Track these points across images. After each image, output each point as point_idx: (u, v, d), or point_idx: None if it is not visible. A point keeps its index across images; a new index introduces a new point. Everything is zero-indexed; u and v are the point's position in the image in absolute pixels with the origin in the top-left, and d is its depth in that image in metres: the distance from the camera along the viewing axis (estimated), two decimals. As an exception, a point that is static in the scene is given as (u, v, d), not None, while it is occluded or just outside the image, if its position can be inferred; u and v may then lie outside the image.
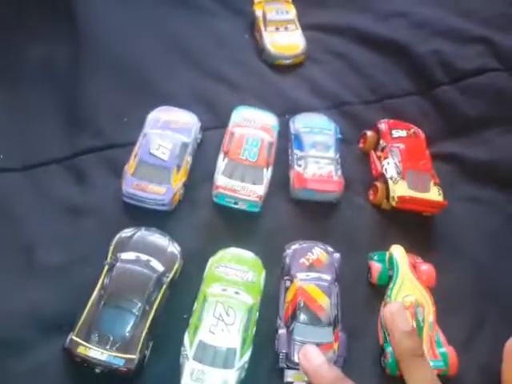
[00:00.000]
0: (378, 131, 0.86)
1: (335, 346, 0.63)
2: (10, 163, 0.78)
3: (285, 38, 0.97)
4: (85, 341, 0.59)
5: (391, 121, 0.87)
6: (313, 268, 0.68)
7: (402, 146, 0.81)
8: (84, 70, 0.89)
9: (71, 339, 0.60)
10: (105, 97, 0.86)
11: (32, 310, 0.65)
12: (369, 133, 0.86)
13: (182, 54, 0.95)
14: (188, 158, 0.79)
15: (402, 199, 0.76)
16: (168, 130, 0.79)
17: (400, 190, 0.77)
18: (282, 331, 0.64)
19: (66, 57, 0.90)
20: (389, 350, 0.63)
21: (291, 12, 1.00)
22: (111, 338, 0.60)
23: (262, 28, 0.98)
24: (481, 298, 0.73)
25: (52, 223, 0.73)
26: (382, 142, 0.84)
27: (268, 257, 0.71)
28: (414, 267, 0.71)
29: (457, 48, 0.99)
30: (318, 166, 0.78)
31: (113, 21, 0.97)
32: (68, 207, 0.75)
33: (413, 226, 0.79)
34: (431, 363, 0.61)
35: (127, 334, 0.60)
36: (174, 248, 0.69)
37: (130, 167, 0.76)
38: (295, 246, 0.71)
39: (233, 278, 0.66)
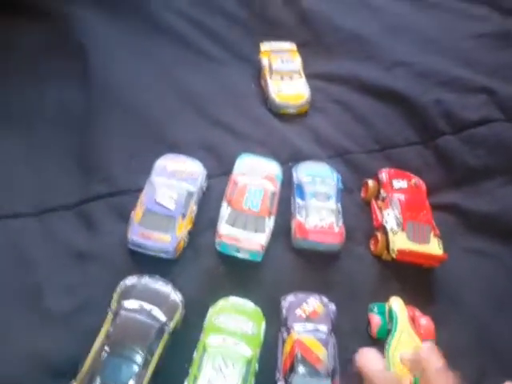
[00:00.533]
0: (378, 180, 0.87)
1: (334, 398, 0.64)
2: (22, 208, 0.81)
3: (290, 88, 1.00)
4: (87, 390, 0.61)
5: (392, 170, 0.89)
6: (309, 319, 0.69)
7: (403, 197, 0.83)
8: (95, 116, 0.92)
9: (73, 388, 0.61)
10: (115, 143, 0.89)
11: (39, 354, 0.67)
12: (370, 182, 0.88)
13: (189, 101, 0.98)
14: (193, 207, 0.81)
15: (401, 252, 0.78)
16: (174, 179, 0.82)
17: (400, 242, 0.78)
18: (281, 384, 0.65)
19: (79, 102, 0.94)
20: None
21: (296, 61, 1.03)
22: (112, 389, 0.61)
23: (268, 76, 1.01)
24: (481, 351, 0.74)
25: (60, 268, 0.75)
26: (382, 191, 0.86)
27: (268, 307, 0.73)
28: (412, 320, 0.72)
29: (459, 98, 1.02)
30: (320, 216, 0.80)
31: (124, 68, 1.01)
32: (76, 253, 0.77)
33: (413, 278, 0.80)
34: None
35: (130, 383, 0.61)
36: (176, 297, 0.70)
37: (136, 215, 0.78)
38: (291, 298, 0.72)
39: (233, 328, 0.68)
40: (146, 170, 0.84)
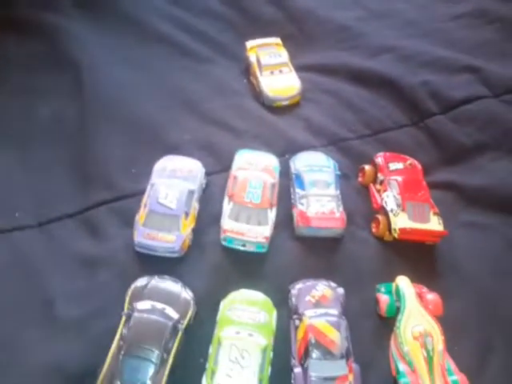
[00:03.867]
0: (375, 165, 0.89)
1: (350, 377, 0.65)
2: (26, 221, 0.81)
3: (280, 81, 1.01)
4: (108, 392, 0.61)
5: (387, 154, 0.90)
6: (319, 304, 0.71)
7: (400, 179, 0.84)
8: (91, 125, 0.93)
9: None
10: (112, 150, 0.90)
11: (54, 364, 0.67)
12: (367, 167, 0.89)
13: (183, 103, 0.99)
14: (195, 204, 0.82)
15: (403, 231, 0.79)
16: (174, 179, 0.83)
17: (401, 222, 0.80)
18: (298, 370, 0.66)
19: (75, 113, 0.95)
20: (402, 380, 0.65)
21: (284, 55, 1.05)
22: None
23: (258, 73, 1.02)
24: (488, 323, 0.75)
25: (69, 277, 0.76)
26: (379, 175, 0.87)
27: (278, 296, 0.74)
28: (420, 297, 0.74)
29: (446, 78, 1.04)
30: (320, 203, 0.81)
31: (117, 77, 1.02)
32: (83, 260, 0.78)
33: (416, 256, 0.81)
34: (443, 392, 0.64)
35: (148, 383, 0.62)
36: (186, 294, 0.71)
37: (140, 217, 0.79)
38: (299, 285, 0.73)
39: (245, 320, 0.69)
40: (147, 173, 0.85)
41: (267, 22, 1.14)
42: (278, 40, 1.08)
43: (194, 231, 0.81)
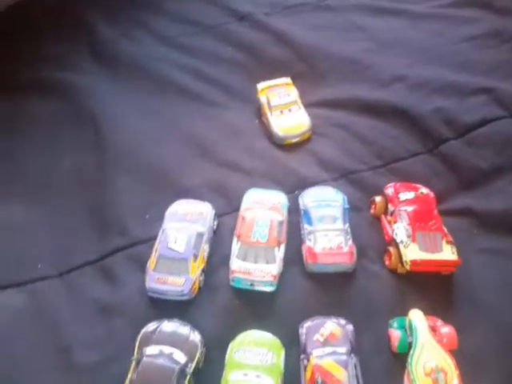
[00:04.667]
0: (385, 196, 0.88)
1: (360, 418, 0.63)
2: (47, 271, 0.85)
3: (290, 119, 1.02)
4: None
5: (398, 184, 0.89)
6: (327, 343, 0.70)
7: (410, 209, 0.83)
8: (108, 174, 0.97)
9: None
10: (128, 197, 0.93)
11: None
12: (377, 198, 0.88)
13: (196, 147, 1.02)
14: (205, 246, 0.83)
15: (414, 263, 0.77)
16: (184, 222, 0.85)
17: (411, 253, 0.78)
18: (306, 411, 0.65)
19: (93, 164, 1.00)
20: (414, 420, 0.63)
21: (293, 94, 1.06)
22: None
23: (268, 113, 1.04)
24: (508, 357, 0.72)
25: (86, 324, 0.79)
26: (390, 206, 0.86)
27: (287, 335, 0.74)
28: (434, 330, 0.71)
29: (459, 102, 1.02)
30: (328, 238, 0.81)
31: (132, 127, 1.06)
32: (100, 307, 0.80)
33: (431, 287, 0.79)
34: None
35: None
36: (195, 337, 0.72)
37: (151, 263, 0.81)
38: (308, 324, 0.73)
39: (253, 362, 0.68)
40: (160, 218, 0.87)
41: (277, 62, 1.17)
42: (287, 80, 1.10)
43: (205, 273, 0.82)
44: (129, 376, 0.68)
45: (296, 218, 0.88)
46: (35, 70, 1.14)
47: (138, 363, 0.68)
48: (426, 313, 0.73)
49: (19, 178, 0.99)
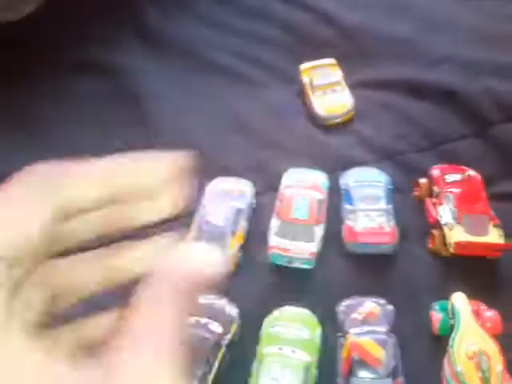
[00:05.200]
0: (431, 178, 0.85)
1: (398, 398, 0.62)
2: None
3: (332, 100, 1.00)
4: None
5: (444, 166, 0.86)
6: (366, 322, 0.68)
7: (457, 191, 0.80)
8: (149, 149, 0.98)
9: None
10: None
11: None
12: (422, 180, 0.86)
13: (238, 127, 1.02)
14: (243, 223, 0.83)
15: (458, 245, 0.74)
16: (224, 199, 0.85)
17: (456, 235, 0.75)
18: (341, 389, 0.64)
19: (139, 141, 1.00)
20: (454, 403, 0.61)
21: (337, 74, 1.04)
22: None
23: (310, 94, 1.02)
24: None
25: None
26: (435, 188, 0.83)
27: (325, 313, 0.72)
28: (477, 315, 0.69)
29: (510, 84, 0.97)
30: (369, 218, 0.79)
31: (176, 105, 1.07)
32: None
33: (476, 271, 0.76)
34: (501, 417, 0.58)
35: (188, 397, 0.63)
36: (231, 310, 0.72)
37: (189, 237, 0.81)
38: (346, 302, 0.72)
39: (288, 336, 0.68)
40: (200, 195, 0.88)
41: (322, 42, 1.14)
42: (332, 60, 1.08)
43: (243, 250, 0.82)
44: (165, 345, 0.69)
45: (337, 199, 0.87)
46: (81, 52, 1.15)
47: (173, 333, 0.69)
48: (470, 297, 0.70)
49: (71, 158, 1.00)
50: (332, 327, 0.71)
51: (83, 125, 1.06)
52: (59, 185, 0.28)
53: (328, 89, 1.02)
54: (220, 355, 0.67)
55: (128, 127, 1.04)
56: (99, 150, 1.00)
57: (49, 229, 0.26)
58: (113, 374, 0.23)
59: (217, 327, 0.69)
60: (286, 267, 0.79)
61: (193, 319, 0.69)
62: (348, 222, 0.80)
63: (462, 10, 1.16)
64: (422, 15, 1.16)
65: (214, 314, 0.70)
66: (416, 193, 0.87)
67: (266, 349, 0.67)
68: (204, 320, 0.70)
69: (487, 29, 1.10)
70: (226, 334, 0.69)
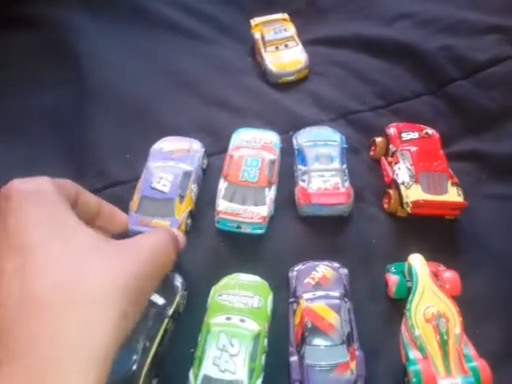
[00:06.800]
0: (387, 136, 0.81)
1: (352, 365, 0.58)
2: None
3: (285, 56, 0.95)
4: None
5: (401, 124, 0.82)
6: (319, 286, 0.64)
7: (414, 149, 0.76)
8: (89, 115, 0.89)
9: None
10: (108, 136, 0.86)
11: None
12: (378, 139, 0.82)
13: (184, 85, 0.95)
14: (192, 186, 0.77)
15: (416, 204, 0.71)
16: (170, 161, 0.78)
17: (414, 194, 0.72)
18: (294, 358, 0.60)
19: (72, 104, 0.92)
20: (411, 368, 0.58)
21: (289, 29, 0.99)
22: (111, 378, 0.57)
23: (262, 49, 0.96)
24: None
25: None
26: (391, 146, 0.79)
27: (277, 279, 0.68)
28: (435, 276, 0.66)
29: (467, 41, 0.94)
30: (323, 179, 0.74)
31: (116, 62, 0.98)
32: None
33: (433, 232, 0.73)
34: (460, 380, 0.56)
35: (128, 372, 0.58)
36: (175, 280, 0.66)
37: (134, 204, 0.75)
38: (299, 267, 0.67)
39: (237, 305, 0.63)
40: (143, 158, 0.81)
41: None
42: (284, 15, 1.02)
43: (193, 215, 0.76)
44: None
45: (290, 160, 0.82)
46: (7, 2, 1.05)
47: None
48: (428, 258, 0.67)
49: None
50: (285, 294, 0.67)
51: (5, 79, 0.96)
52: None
53: (281, 44, 0.96)
54: (163, 327, 0.62)
55: (59, 85, 0.94)
56: (22, 109, 0.91)
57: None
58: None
59: (158, 299, 0.63)
60: (236, 232, 0.74)
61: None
62: (301, 184, 0.75)
63: None
64: None
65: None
66: (372, 152, 0.83)
67: (213, 319, 0.62)
68: (145, 290, 0.64)
69: None
70: (170, 304, 0.64)
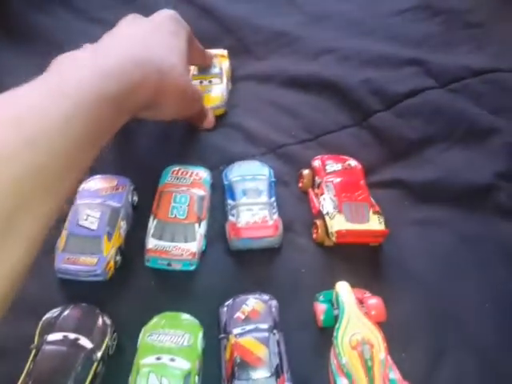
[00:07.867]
0: (313, 168, 0.84)
1: (282, 398, 0.59)
2: None
3: (206, 92, 0.95)
4: None
5: (325, 156, 0.85)
6: (249, 320, 0.65)
7: (337, 180, 0.79)
8: None
9: None
10: None
11: None
12: (305, 171, 0.84)
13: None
14: (121, 223, 0.77)
15: (340, 233, 0.73)
16: (98, 198, 0.78)
17: (337, 224, 0.74)
18: (225, 394, 0.60)
19: None
20: (340, 396, 0.59)
21: (222, 66, 1.00)
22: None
23: (188, 83, 0.98)
24: (439, 325, 0.69)
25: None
26: (317, 178, 0.82)
27: (208, 316, 0.68)
28: (361, 303, 0.68)
29: (388, 73, 0.99)
30: (252, 212, 0.76)
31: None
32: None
33: (360, 259, 0.75)
34: (386, 404, 0.57)
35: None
36: (104, 322, 0.66)
37: (60, 242, 0.74)
38: (229, 302, 0.68)
39: (167, 344, 0.63)
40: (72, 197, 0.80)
41: (204, 36, 1.09)
42: (223, 52, 1.04)
43: (123, 252, 0.76)
44: (26, 367, 0.61)
45: (221, 196, 0.83)
46: None
47: (37, 352, 0.61)
48: (354, 285, 0.69)
49: None
50: (216, 330, 0.67)
51: None
52: None
53: (206, 80, 0.98)
54: (92, 371, 0.61)
55: None
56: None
57: None
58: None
59: (87, 342, 0.62)
60: (167, 270, 0.74)
61: (61, 335, 0.63)
62: (231, 218, 0.77)
63: (345, 4, 1.17)
64: (305, 9, 1.16)
65: (85, 328, 0.64)
66: (300, 184, 0.86)
67: (142, 359, 0.61)
68: (73, 336, 0.63)
69: (371, 22, 1.12)
70: (99, 348, 0.63)
